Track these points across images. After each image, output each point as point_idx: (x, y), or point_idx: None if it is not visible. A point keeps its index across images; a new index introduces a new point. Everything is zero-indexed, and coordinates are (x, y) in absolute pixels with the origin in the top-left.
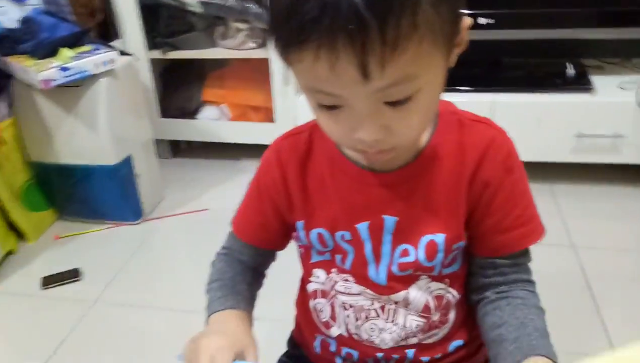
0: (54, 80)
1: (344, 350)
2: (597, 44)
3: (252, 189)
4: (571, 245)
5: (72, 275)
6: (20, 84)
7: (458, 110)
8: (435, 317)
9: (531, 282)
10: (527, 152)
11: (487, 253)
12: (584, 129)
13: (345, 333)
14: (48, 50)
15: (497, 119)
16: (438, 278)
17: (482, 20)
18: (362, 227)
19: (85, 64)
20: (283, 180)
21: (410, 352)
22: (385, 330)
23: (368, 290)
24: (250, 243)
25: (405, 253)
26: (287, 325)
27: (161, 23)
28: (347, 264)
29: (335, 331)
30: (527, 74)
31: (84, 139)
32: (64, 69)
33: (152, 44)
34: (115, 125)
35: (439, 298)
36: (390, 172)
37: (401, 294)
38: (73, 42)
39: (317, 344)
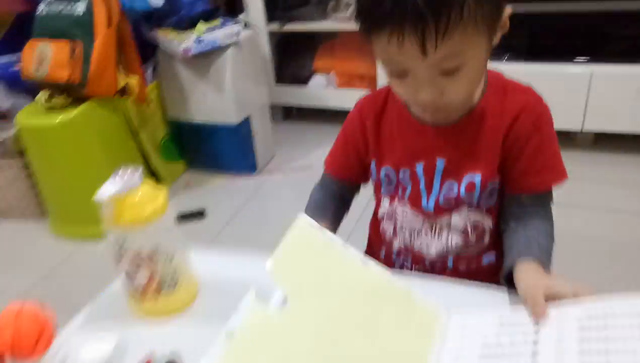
0: (191, 50)
1: (402, 258)
2: None
3: (340, 137)
4: None
5: (199, 214)
6: (164, 53)
7: (505, 79)
8: (472, 238)
9: (548, 218)
10: (620, 123)
11: (515, 191)
12: None
13: (402, 246)
14: (187, 24)
15: (593, 90)
16: (476, 209)
17: None
18: (419, 166)
19: (216, 37)
20: (362, 129)
21: (450, 261)
22: (431, 245)
23: (420, 216)
24: (338, 177)
25: (450, 187)
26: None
27: None
28: (406, 195)
29: (396, 245)
30: (629, 45)
31: (213, 101)
32: (199, 41)
33: (271, 17)
34: (238, 89)
35: (476, 224)
36: (444, 126)
37: (444, 219)
38: (206, 17)
39: (382, 254)
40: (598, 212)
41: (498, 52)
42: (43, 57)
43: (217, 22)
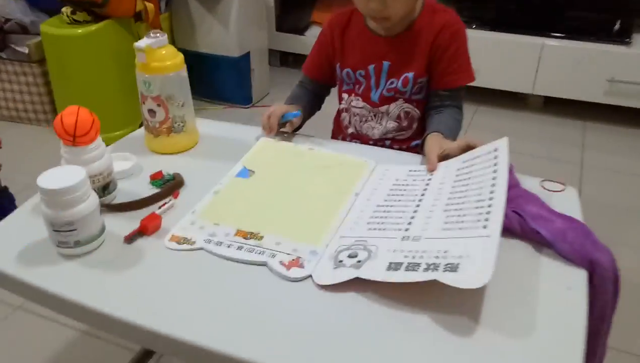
0: None
1: (353, 141)
2: None
3: (315, 46)
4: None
5: None
6: None
7: (435, 4)
8: (404, 124)
9: (459, 108)
10: (566, 90)
11: (436, 87)
12: (617, 75)
13: (354, 131)
14: None
15: (543, 60)
16: (408, 101)
17: None
18: (371, 67)
19: None
20: (332, 39)
21: (388, 142)
22: (375, 128)
23: (368, 105)
24: (313, 77)
25: (392, 83)
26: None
27: None
28: (360, 90)
29: (349, 130)
30: (577, 24)
31: (219, 34)
32: None
33: None
34: (241, 27)
35: (407, 112)
36: (391, 37)
37: (384, 107)
38: None
39: (339, 138)
40: (541, 161)
41: (468, 21)
42: None
43: None
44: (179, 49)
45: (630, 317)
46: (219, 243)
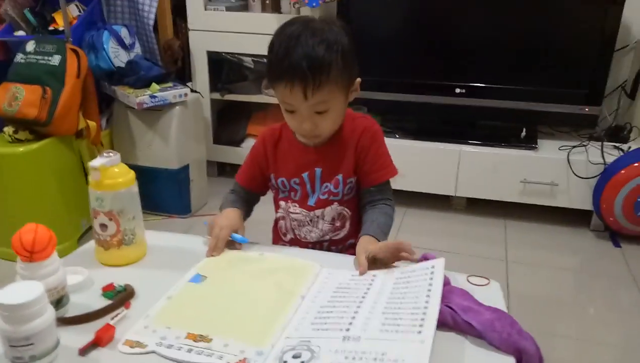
0: (146, 103)
1: (292, 246)
2: (550, 115)
3: (248, 158)
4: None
5: None
6: (120, 106)
7: (353, 113)
8: (338, 224)
9: (390, 200)
10: (485, 191)
11: (365, 185)
12: (528, 176)
13: (292, 236)
14: (143, 84)
15: (462, 165)
16: (341, 203)
17: (457, 90)
18: (305, 175)
19: (167, 95)
20: (265, 152)
21: (325, 244)
22: (312, 231)
23: (305, 210)
24: (247, 186)
25: (326, 187)
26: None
27: (222, 73)
28: (297, 197)
29: (288, 236)
30: (489, 132)
31: (158, 148)
32: (153, 97)
33: (214, 88)
34: (180, 140)
35: (340, 213)
36: (319, 146)
37: (320, 211)
38: (160, 79)
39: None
40: (468, 258)
41: (391, 132)
42: (15, 96)
43: (169, 84)
44: None
45: None
46: (170, 346)
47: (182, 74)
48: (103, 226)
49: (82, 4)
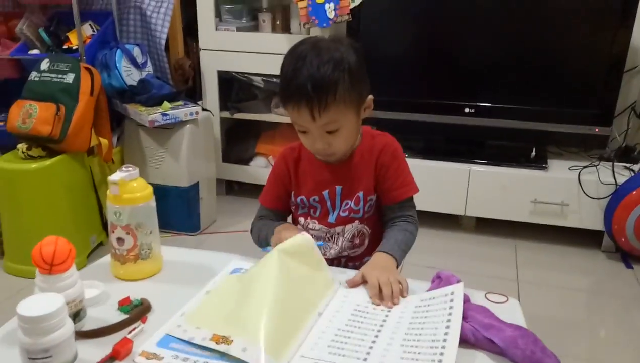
0: (157, 121)
1: None
2: (560, 135)
3: (271, 178)
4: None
5: None
6: (131, 124)
7: (372, 130)
8: (357, 241)
9: (412, 216)
10: (495, 211)
11: (386, 202)
12: (539, 196)
13: None
14: (155, 102)
15: (471, 184)
16: (362, 221)
17: (466, 110)
18: (325, 193)
19: (178, 113)
20: (287, 169)
21: (343, 260)
22: (331, 248)
23: (324, 227)
24: (274, 208)
25: (346, 204)
26: None
27: (232, 92)
28: (317, 214)
29: None
30: (498, 152)
31: (169, 166)
32: (164, 115)
33: (224, 106)
34: (191, 158)
35: (359, 231)
36: (339, 164)
37: (340, 228)
38: (172, 98)
39: None
40: (479, 278)
41: None
42: (29, 113)
43: (180, 103)
44: None
45: None
46: (186, 360)
47: (193, 93)
48: (120, 240)
49: (95, 24)
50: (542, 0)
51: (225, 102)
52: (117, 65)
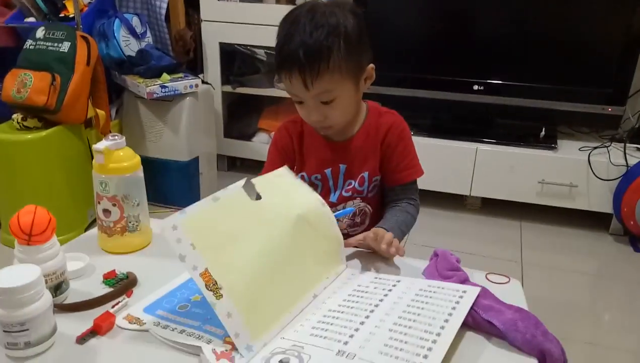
0: (156, 93)
1: None
2: (571, 114)
3: (273, 152)
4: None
5: None
6: (130, 95)
7: (379, 107)
8: (358, 220)
9: (414, 199)
10: (501, 191)
11: (389, 183)
12: (547, 177)
13: None
14: (154, 73)
15: (478, 164)
16: (364, 200)
17: (475, 87)
18: (327, 172)
19: (178, 85)
20: (292, 143)
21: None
22: None
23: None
24: None
25: (349, 184)
26: None
27: (235, 65)
28: (318, 192)
29: None
30: (507, 131)
31: (168, 139)
32: (163, 87)
33: (226, 80)
34: (190, 132)
35: (361, 209)
36: (343, 141)
37: (341, 206)
38: (171, 69)
39: None
40: (482, 259)
41: None
42: (24, 83)
43: (180, 75)
44: None
45: None
46: (166, 327)
47: (194, 66)
48: (106, 212)
49: None
50: None
51: (227, 75)
52: (115, 34)
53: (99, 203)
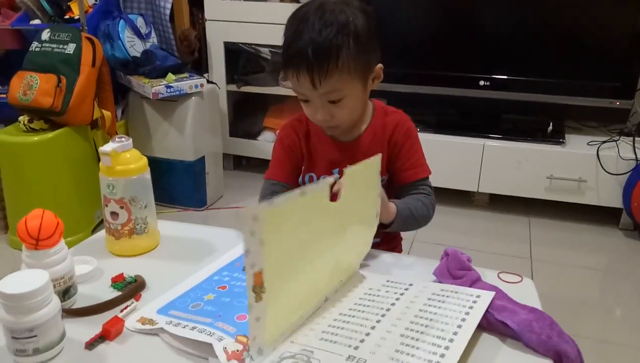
0: (161, 93)
1: None
2: (579, 109)
3: (278, 150)
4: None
5: None
6: (135, 96)
7: (385, 106)
8: None
9: (427, 193)
10: (509, 187)
11: (399, 182)
12: (555, 172)
13: None
14: (159, 74)
15: (485, 160)
16: None
17: (481, 82)
18: (335, 172)
19: (183, 85)
20: (299, 142)
21: None
22: None
23: None
24: (280, 180)
25: None
26: None
27: (239, 64)
28: None
29: None
30: (514, 126)
31: (174, 139)
32: (168, 87)
33: (231, 79)
34: (196, 131)
35: None
36: (350, 141)
37: None
38: (176, 70)
39: None
40: (491, 256)
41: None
42: (30, 85)
43: (185, 75)
44: None
45: None
46: (177, 325)
47: (199, 65)
48: (114, 214)
49: None
50: None
51: (232, 74)
52: (120, 35)
53: (106, 206)
